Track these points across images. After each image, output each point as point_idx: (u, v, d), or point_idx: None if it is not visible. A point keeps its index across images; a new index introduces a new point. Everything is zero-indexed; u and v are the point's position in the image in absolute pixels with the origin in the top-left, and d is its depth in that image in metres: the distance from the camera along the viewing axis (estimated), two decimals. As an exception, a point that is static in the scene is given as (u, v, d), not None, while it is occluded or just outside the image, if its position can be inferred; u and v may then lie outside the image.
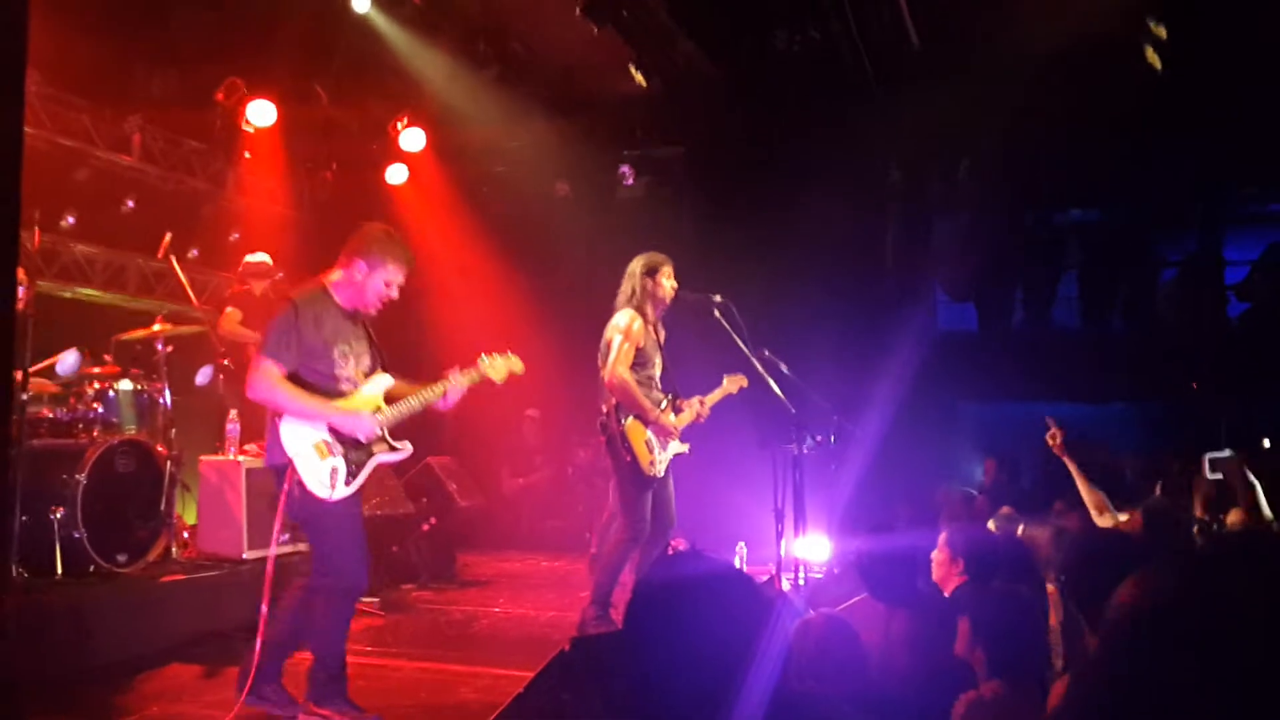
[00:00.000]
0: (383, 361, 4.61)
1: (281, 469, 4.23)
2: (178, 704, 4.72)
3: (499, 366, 4.75)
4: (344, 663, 4.37)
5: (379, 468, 7.29)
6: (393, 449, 4.52)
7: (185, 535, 6.64)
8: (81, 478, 5.62)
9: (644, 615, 1.98)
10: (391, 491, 7.54)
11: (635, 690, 1.99)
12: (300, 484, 4.19)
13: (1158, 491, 7.06)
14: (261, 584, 6.24)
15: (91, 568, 5.66)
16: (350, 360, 4.41)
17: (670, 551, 6.03)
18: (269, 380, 4.18)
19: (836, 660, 2.87)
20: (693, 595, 1.96)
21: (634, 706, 2.04)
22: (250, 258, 7.86)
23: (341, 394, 4.35)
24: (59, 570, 5.53)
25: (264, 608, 4.28)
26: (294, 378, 4.24)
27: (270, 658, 4.30)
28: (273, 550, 4.52)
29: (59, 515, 5.54)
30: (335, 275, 4.45)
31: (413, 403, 4.51)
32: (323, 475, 4.22)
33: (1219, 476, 5.56)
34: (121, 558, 5.81)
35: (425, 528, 7.82)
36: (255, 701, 4.29)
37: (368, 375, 4.50)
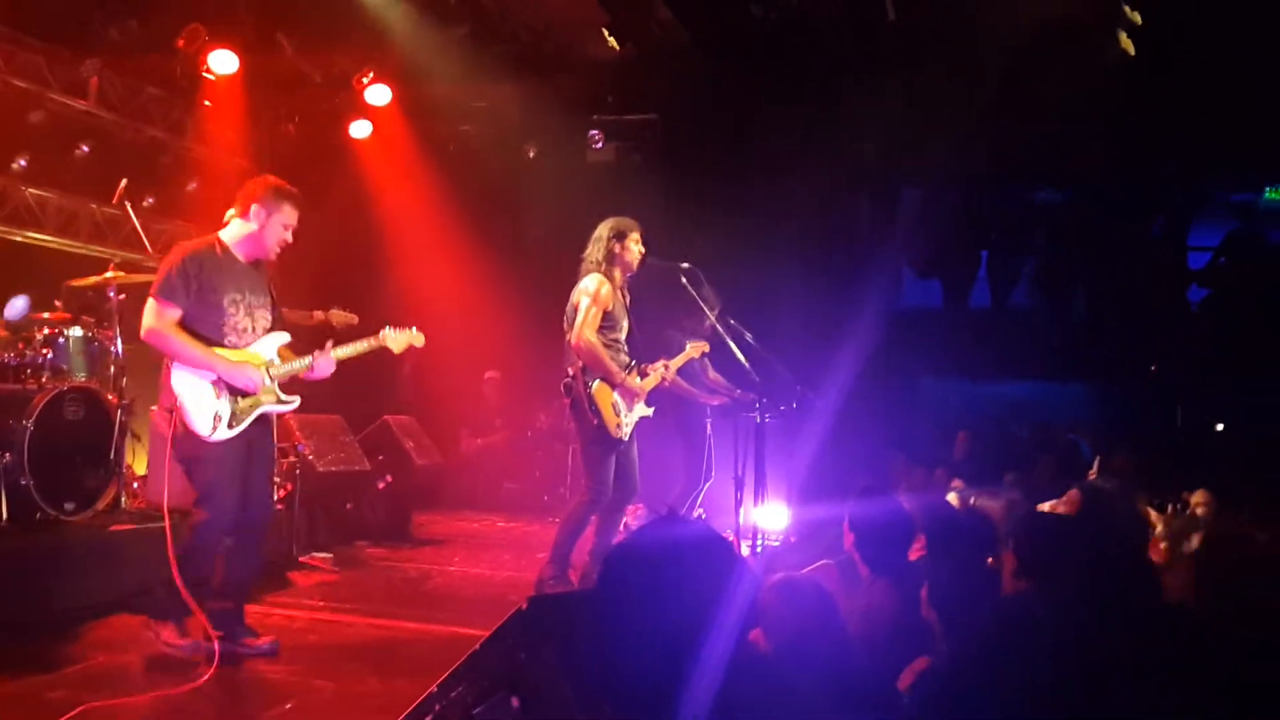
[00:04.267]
0: (281, 320, 4.79)
1: (170, 411, 4.45)
2: (124, 654, 4.62)
3: (399, 338, 4.98)
4: (194, 588, 4.43)
5: (330, 425, 7.26)
6: (281, 401, 4.68)
7: (135, 485, 6.51)
8: (29, 424, 5.47)
9: (615, 577, 1.94)
10: (347, 448, 7.45)
11: (597, 650, 1.96)
12: (184, 423, 4.40)
13: (1094, 472, 7.17)
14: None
15: (38, 515, 5.53)
16: (241, 310, 4.57)
17: (628, 519, 6.03)
18: (160, 324, 4.40)
19: (813, 625, 2.84)
20: (665, 558, 1.93)
21: (595, 666, 2.01)
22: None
23: (227, 341, 4.52)
24: (4, 517, 5.40)
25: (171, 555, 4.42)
26: (184, 324, 4.43)
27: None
28: (165, 497, 4.59)
29: (5, 461, 5.39)
30: (231, 227, 4.65)
31: (303, 363, 4.69)
32: (205, 417, 4.41)
33: None
34: (69, 506, 5.67)
35: (381, 485, 7.75)
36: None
37: (266, 330, 4.67)
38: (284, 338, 4.75)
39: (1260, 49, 7.70)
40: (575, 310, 5.56)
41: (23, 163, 7.95)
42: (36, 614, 5.01)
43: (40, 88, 7.95)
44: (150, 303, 4.44)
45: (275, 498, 4.86)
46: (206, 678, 4.18)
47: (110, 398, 6.07)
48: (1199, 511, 5.38)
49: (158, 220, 8.93)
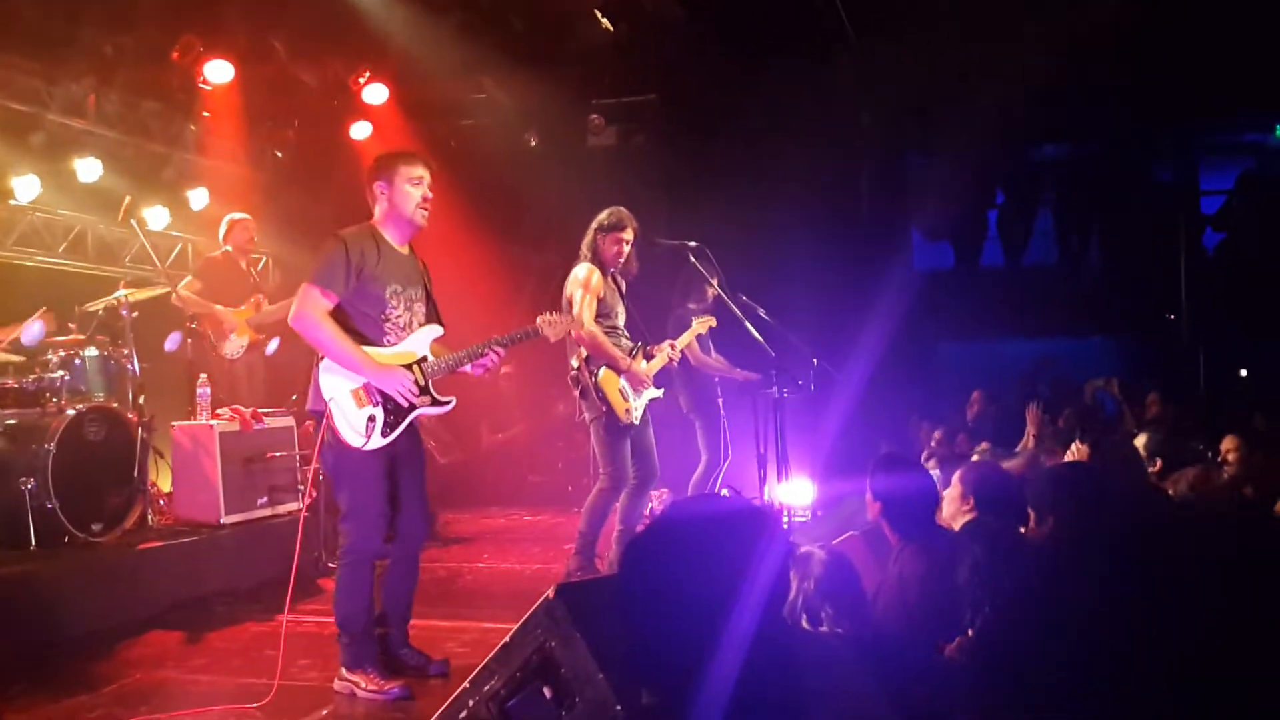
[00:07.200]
0: (436, 313, 4.44)
1: (319, 415, 4.11)
2: (159, 670, 4.65)
3: (558, 325, 4.52)
4: (367, 625, 4.26)
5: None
6: (436, 402, 4.28)
7: (161, 502, 6.54)
8: (51, 447, 5.49)
9: (638, 557, 1.92)
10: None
11: (626, 635, 1.93)
12: (333, 430, 4.05)
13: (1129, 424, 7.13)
14: (241, 548, 6.23)
15: (66, 538, 5.55)
16: (401, 303, 4.24)
17: (655, 502, 6.01)
18: (314, 313, 4.02)
19: (838, 598, 2.82)
20: (688, 536, 1.90)
21: (626, 651, 1.98)
22: (233, 215, 7.68)
23: (386, 340, 4.19)
24: (33, 542, 5.43)
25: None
26: (339, 315, 4.09)
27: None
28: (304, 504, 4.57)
29: (30, 486, 5.41)
30: (375, 213, 4.31)
31: (457, 358, 4.34)
32: (358, 423, 4.06)
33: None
34: (96, 527, 5.70)
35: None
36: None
37: (422, 323, 4.34)
38: (437, 331, 4.36)
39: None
40: (569, 302, 5.53)
41: (30, 186, 7.93)
42: (71, 635, 5.04)
43: (39, 110, 7.94)
44: (305, 289, 4.07)
45: (428, 507, 4.57)
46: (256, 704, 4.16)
47: (130, 416, 6.08)
48: (1229, 458, 5.35)
49: (165, 235, 8.94)
